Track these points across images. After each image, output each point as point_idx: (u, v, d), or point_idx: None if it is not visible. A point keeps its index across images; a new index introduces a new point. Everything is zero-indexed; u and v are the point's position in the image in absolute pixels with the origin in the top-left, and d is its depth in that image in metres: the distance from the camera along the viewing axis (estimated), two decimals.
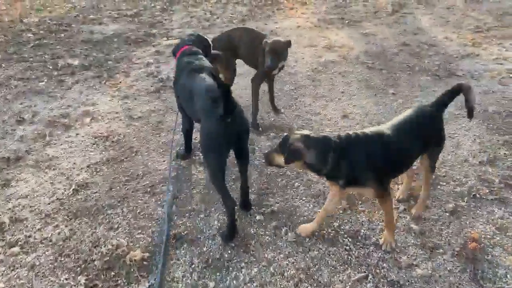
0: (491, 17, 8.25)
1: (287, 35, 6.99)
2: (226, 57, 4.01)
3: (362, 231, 2.89)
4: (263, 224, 2.93)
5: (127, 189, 3.30)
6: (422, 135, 2.68)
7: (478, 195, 3.19)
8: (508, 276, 2.52)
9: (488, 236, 2.82)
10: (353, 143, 2.43)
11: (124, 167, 3.59)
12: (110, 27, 7.63)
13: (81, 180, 3.42)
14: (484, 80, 5.23)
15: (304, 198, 3.18)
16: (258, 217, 2.99)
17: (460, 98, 2.90)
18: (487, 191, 3.22)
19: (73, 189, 3.30)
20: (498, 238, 2.81)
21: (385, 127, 2.59)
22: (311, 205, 3.11)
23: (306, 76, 5.33)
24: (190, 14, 8.50)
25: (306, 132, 2.49)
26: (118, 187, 3.32)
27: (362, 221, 2.97)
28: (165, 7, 9.05)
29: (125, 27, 7.65)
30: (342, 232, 2.87)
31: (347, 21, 7.83)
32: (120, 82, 5.28)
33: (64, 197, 3.24)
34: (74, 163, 3.65)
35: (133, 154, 3.76)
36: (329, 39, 6.75)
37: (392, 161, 2.55)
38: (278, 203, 3.12)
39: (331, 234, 2.86)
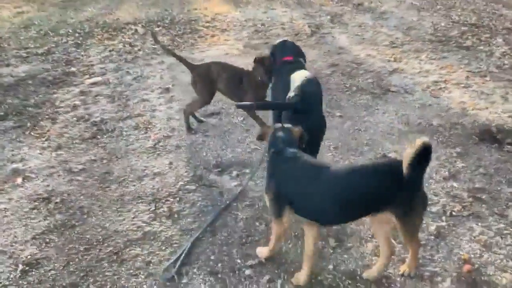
0: (400, 32, 8.77)
1: None
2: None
3: (358, 269, 2.72)
4: (255, 279, 2.64)
5: (89, 260, 2.82)
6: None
7: (453, 213, 3.19)
8: None
9: (477, 255, 2.80)
10: None
11: (78, 233, 3.08)
12: (20, 68, 6.84)
13: (29, 256, 2.86)
14: (418, 94, 5.44)
15: (289, 241, 2.95)
16: (247, 272, 2.69)
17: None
18: (460, 207, 3.25)
19: (21, 270, 2.75)
20: (486, 256, 2.80)
21: None
22: (298, 248, 2.88)
23: None
24: (107, 47, 7.94)
25: None
26: (77, 259, 2.83)
27: (356, 258, 2.81)
28: (78, 42, 8.38)
29: (37, 67, 6.90)
30: (340, 275, 2.68)
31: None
32: (47, 130, 4.67)
33: (11, 281, 2.68)
34: (15, 236, 3.07)
35: (85, 216, 3.26)
36: None
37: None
38: None
39: (329, 279, 2.65)
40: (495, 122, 4.54)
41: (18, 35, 8.59)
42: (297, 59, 3.65)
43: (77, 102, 5.38)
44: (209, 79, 4.22)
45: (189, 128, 4.50)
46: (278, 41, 3.86)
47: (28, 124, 4.81)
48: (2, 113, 5.12)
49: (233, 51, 7.54)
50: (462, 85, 5.71)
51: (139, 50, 7.74)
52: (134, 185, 3.60)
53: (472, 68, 6.39)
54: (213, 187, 3.56)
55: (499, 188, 3.45)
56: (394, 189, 2.21)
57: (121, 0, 13.64)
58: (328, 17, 10.26)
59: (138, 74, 6.41)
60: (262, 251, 2.76)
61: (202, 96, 4.35)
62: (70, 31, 9.12)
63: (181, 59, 4.46)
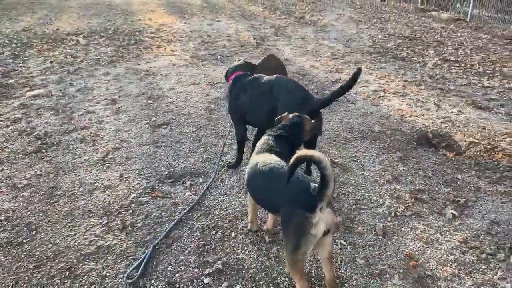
0: (340, 44, 9.16)
1: (166, 74, 6.74)
2: None
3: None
4: (214, 287, 2.66)
5: (39, 278, 2.70)
6: None
7: (398, 213, 3.38)
8: (449, 287, 2.68)
9: (421, 252, 2.99)
10: None
11: (27, 250, 2.94)
12: None
13: None
14: (359, 103, 5.71)
15: (245, 248, 2.99)
16: (206, 280, 2.70)
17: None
18: (403, 207, 3.44)
19: None
20: (429, 252, 2.99)
21: None
22: (254, 254, 2.93)
23: (201, 115, 5.16)
24: (48, 59, 7.65)
25: None
26: (26, 278, 2.70)
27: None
28: (16, 53, 8.00)
29: None
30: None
31: (219, 56, 7.89)
32: None
33: None
34: None
35: (33, 232, 3.12)
36: (209, 75, 6.69)
37: None
38: (221, 259, 2.87)
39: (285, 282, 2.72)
40: (430, 128, 4.86)
41: None
42: (246, 72, 3.76)
43: (18, 115, 5.13)
44: None
45: None
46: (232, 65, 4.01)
47: None
48: None
49: (180, 61, 7.52)
50: (400, 93, 6.06)
51: (82, 61, 7.53)
52: (84, 199, 3.50)
53: (408, 77, 6.80)
54: (166, 198, 3.53)
55: (437, 189, 3.70)
56: None
57: (61, 10, 13.23)
58: (272, 29, 10.51)
59: (82, 85, 6.23)
60: None
61: None
62: (6, 41, 8.70)
63: None
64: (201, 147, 4.38)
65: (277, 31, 10.28)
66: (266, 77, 3.52)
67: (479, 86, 6.58)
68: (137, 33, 9.79)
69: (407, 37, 10.09)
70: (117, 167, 4.01)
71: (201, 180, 3.79)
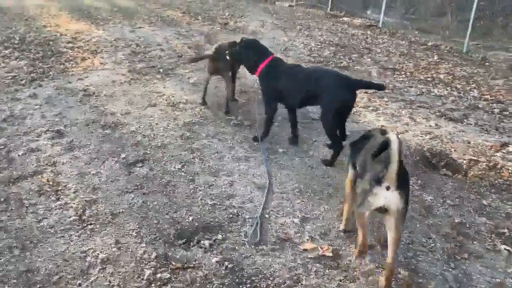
0: (279, 53, 8.75)
1: (110, 94, 5.67)
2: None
3: None
4: None
5: None
6: None
7: (457, 256, 3.02)
8: None
9: None
10: None
11: None
12: None
13: None
14: None
15: None
16: None
17: None
18: (457, 247, 3.09)
19: None
20: None
21: None
22: None
23: (180, 147, 4.32)
24: None
25: None
26: None
27: None
28: None
29: None
30: None
31: (161, 70, 6.96)
32: None
33: None
34: None
35: None
36: (163, 93, 5.79)
37: None
38: None
39: None
40: (425, 147, 4.63)
41: None
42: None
43: None
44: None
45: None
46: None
47: None
48: None
49: (119, 77, 6.45)
50: (370, 107, 5.82)
51: None
52: (79, 285, 2.54)
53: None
54: (189, 268, 2.73)
55: (473, 220, 3.43)
56: None
57: None
58: (203, 37, 9.75)
59: (7, 113, 4.93)
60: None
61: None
62: None
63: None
64: (199, 190, 3.59)
65: (209, 39, 9.54)
66: (304, 66, 4.47)
67: (433, 95, 6.64)
68: (51, 42, 8.31)
69: (338, 44, 10.07)
70: (104, 229, 3.06)
71: (220, 236, 3.04)
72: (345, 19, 14.39)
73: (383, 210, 2.46)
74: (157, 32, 9.91)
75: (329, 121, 3.96)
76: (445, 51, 10.35)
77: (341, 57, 8.81)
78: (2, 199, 3.32)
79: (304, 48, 9.36)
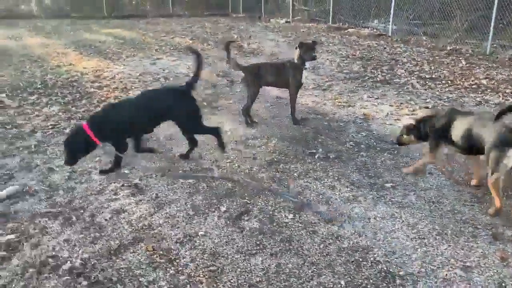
0: (310, 72, 8.41)
1: (170, 137, 5.21)
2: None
3: None
4: None
5: None
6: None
7: None
8: None
9: None
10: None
11: None
12: None
13: None
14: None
15: None
16: None
17: None
18: None
19: None
20: None
21: None
22: None
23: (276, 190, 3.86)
24: None
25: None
26: None
27: None
28: None
29: None
30: None
31: (204, 103, 6.52)
32: None
33: None
34: None
35: None
36: (225, 131, 5.34)
37: None
38: None
39: None
40: None
41: None
42: None
43: (12, 241, 3.26)
44: (258, 75, 5.16)
45: (248, 123, 5.38)
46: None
47: None
48: None
49: None
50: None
51: (34, 131, 5.53)
52: None
53: (422, 103, 6.29)
54: None
55: None
56: None
57: None
58: (224, 62, 9.35)
59: (68, 168, 4.41)
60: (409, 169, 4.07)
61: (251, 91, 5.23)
62: None
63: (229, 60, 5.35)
64: (329, 244, 3.13)
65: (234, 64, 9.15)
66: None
67: (492, 104, 6.34)
68: (75, 83, 7.80)
69: (362, 57, 9.79)
70: None
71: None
72: (350, 30, 14.19)
73: None
74: (177, 62, 9.50)
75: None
76: (468, 54, 10.15)
77: (373, 70, 8.52)
78: (114, 279, 2.81)
79: (331, 65, 9.04)
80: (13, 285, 2.77)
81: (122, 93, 7.14)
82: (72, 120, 5.87)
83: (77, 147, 3.86)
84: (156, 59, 9.67)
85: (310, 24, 16.25)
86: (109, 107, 4.33)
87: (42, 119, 5.97)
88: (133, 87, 7.47)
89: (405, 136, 4.02)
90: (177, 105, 4.03)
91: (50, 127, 5.65)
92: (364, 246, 3.07)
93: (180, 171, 4.23)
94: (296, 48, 5.15)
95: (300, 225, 3.35)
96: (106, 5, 21.41)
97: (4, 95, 7.09)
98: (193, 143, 4.39)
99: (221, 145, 4.27)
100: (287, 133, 5.20)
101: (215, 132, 4.27)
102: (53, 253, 3.08)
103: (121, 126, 3.95)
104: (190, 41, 12.26)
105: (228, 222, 3.40)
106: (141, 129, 4.21)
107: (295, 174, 4.13)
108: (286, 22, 17.59)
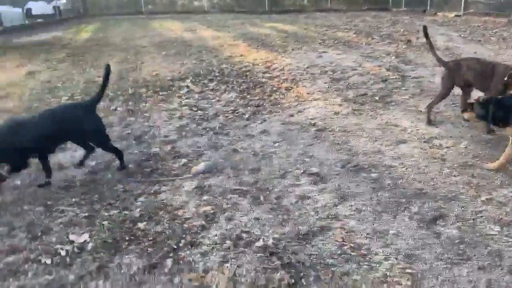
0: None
1: (344, 129, 5.09)
2: None
3: None
4: None
5: None
6: None
7: None
8: None
9: None
10: None
11: None
12: None
13: None
14: None
15: None
16: None
17: None
18: None
19: None
20: None
21: None
22: None
23: (474, 198, 3.44)
24: (172, 113, 6.12)
25: None
26: None
27: None
28: (131, 108, 6.52)
29: None
30: None
31: (376, 98, 6.23)
32: None
33: None
34: None
35: None
36: (403, 127, 5.00)
37: None
38: None
39: None
40: None
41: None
42: None
43: (208, 212, 3.50)
44: (458, 73, 4.64)
45: (430, 121, 4.96)
46: None
47: None
48: None
49: (336, 108, 5.88)
50: None
51: (217, 114, 5.94)
52: None
53: None
54: None
55: None
56: None
57: (137, 51, 11.88)
58: (393, 57, 8.88)
59: (249, 151, 4.61)
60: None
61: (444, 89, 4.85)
62: (111, 94, 7.21)
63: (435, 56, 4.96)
64: None
65: (401, 58, 8.64)
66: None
67: None
68: (247, 73, 8.24)
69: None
70: None
71: None
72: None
73: None
74: (343, 55, 9.34)
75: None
76: None
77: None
78: (307, 264, 2.79)
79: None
80: (214, 253, 2.95)
81: (291, 84, 7.28)
82: (248, 107, 6.17)
83: None
84: (322, 52, 9.66)
85: (485, 18, 14.51)
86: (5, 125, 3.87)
87: (223, 104, 6.41)
88: (302, 79, 7.56)
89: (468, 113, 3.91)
90: (78, 122, 3.87)
91: (230, 112, 6.03)
92: None
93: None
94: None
95: (510, 240, 2.90)
96: (268, 0, 22.35)
97: (189, 81, 7.84)
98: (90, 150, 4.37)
99: (122, 167, 4.26)
100: (478, 134, 4.64)
101: (119, 153, 4.26)
102: (246, 229, 3.20)
103: (16, 146, 3.62)
104: (354, 35, 12.00)
105: (421, 225, 3.13)
106: (40, 149, 3.87)
107: (497, 182, 3.63)
108: (456, 15, 16.06)
